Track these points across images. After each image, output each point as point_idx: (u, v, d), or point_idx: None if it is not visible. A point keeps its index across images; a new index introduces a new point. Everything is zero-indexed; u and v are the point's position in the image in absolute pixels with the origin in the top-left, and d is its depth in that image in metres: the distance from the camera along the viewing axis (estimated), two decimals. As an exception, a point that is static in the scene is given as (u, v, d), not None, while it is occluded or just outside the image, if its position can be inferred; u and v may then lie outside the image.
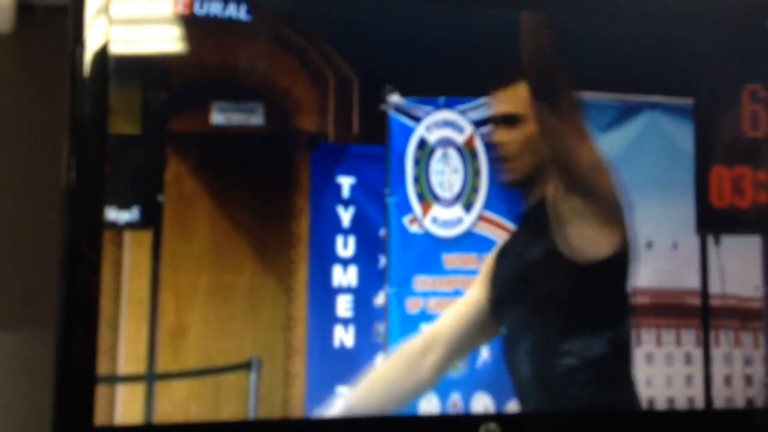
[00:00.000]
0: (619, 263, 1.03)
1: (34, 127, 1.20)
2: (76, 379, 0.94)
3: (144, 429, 1.05)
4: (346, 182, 0.98)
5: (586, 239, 1.01)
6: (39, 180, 1.17)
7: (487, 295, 1.02)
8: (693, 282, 1.07)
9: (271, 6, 0.98)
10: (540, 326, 1.01)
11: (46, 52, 1.19)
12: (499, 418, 1.05)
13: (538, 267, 1.02)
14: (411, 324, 0.98)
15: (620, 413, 1.11)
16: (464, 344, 1.01)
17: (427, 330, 0.99)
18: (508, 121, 1.02)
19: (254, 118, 0.95)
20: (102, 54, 0.93)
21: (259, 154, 0.96)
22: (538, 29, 1.02)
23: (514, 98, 1.02)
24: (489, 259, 1.02)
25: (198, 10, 0.97)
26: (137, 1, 0.95)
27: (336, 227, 0.97)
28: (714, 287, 1.08)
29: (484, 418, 1.04)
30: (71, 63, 0.94)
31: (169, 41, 0.97)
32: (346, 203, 0.97)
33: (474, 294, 1.01)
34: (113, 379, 0.92)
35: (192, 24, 0.96)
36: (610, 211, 1.03)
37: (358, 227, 0.97)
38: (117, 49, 0.94)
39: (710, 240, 1.09)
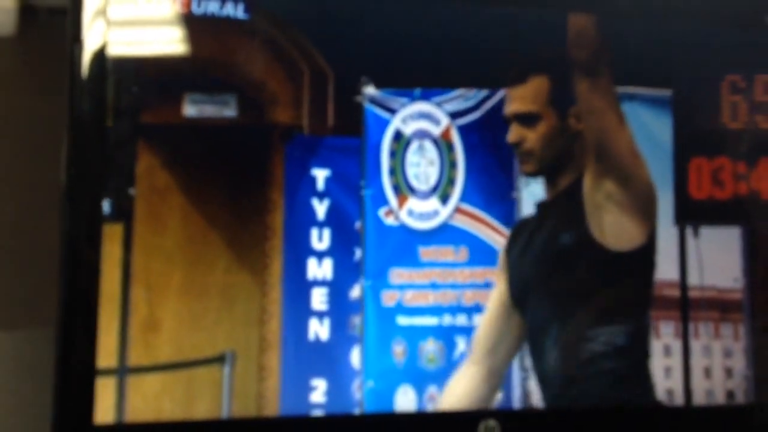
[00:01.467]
0: (647, 255, 1.04)
1: (36, 128, 1.19)
2: (76, 378, 0.93)
3: (144, 428, 1.05)
4: (321, 175, 0.97)
5: (619, 228, 1.02)
6: (40, 180, 1.16)
7: (507, 287, 1.02)
8: (671, 274, 1.07)
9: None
10: (566, 315, 1.02)
11: (47, 53, 1.18)
12: (498, 414, 1.05)
13: (567, 254, 1.03)
14: (387, 317, 0.98)
15: (618, 409, 1.11)
16: (498, 347, 1.03)
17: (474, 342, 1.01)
18: (523, 119, 1.02)
19: (227, 111, 0.94)
20: (101, 53, 0.93)
21: (233, 146, 0.95)
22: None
23: (526, 96, 1.03)
24: (504, 250, 1.02)
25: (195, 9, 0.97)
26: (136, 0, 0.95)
27: (311, 220, 0.96)
28: (693, 279, 1.08)
29: (483, 414, 1.04)
30: (70, 62, 0.94)
31: (164, 39, 0.97)
32: (320, 196, 0.97)
33: (496, 292, 1.02)
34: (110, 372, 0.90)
35: (182, 21, 0.96)
36: (644, 202, 1.04)
37: (333, 220, 0.97)
38: (115, 47, 0.93)
39: (689, 231, 1.08)
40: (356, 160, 0.99)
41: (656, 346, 1.07)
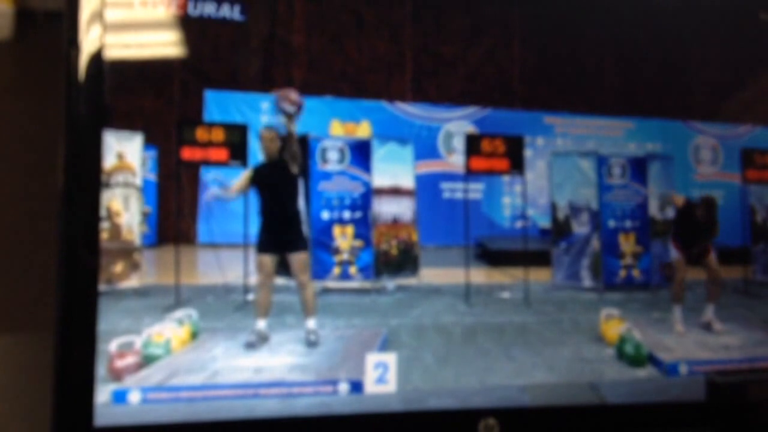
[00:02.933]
0: None
1: (34, 130, 1.19)
2: (75, 381, 0.93)
3: (144, 429, 1.05)
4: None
5: None
6: (39, 184, 1.16)
7: None
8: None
9: None
10: None
11: (44, 56, 1.18)
12: (498, 413, 1.05)
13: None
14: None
15: (615, 408, 1.11)
16: None
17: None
18: None
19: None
20: (96, 55, 0.93)
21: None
22: None
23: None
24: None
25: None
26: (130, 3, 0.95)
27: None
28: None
29: (483, 413, 1.04)
30: (66, 65, 0.94)
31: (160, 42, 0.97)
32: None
33: None
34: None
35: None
36: None
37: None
38: (110, 50, 0.93)
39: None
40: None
41: None
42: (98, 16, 0.92)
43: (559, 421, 1.11)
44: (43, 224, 1.11)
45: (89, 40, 0.93)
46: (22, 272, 1.21)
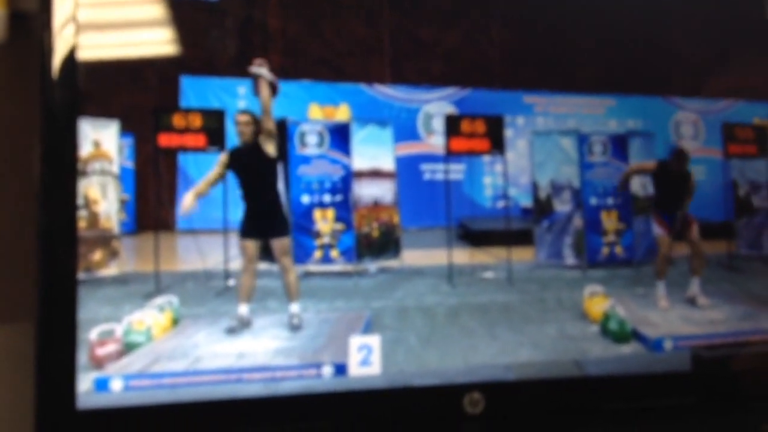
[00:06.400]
0: None
1: (27, 129, 1.18)
2: (57, 366, 0.92)
3: (127, 411, 1.04)
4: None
5: None
6: (23, 180, 1.15)
7: None
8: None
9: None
10: None
11: (36, 60, 1.17)
12: (483, 387, 1.05)
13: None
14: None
15: (600, 380, 1.11)
16: None
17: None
18: None
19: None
20: (70, 41, 0.91)
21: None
22: None
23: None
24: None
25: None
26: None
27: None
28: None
29: (468, 387, 1.04)
30: (40, 50, 0.92)
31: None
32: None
33: None
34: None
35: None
36: None
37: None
38: (85, 35, 0.92)
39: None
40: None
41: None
42: (72, 12, 0.91)
43: (544, 395, 1.11)
44: (22, 214, 1.09)
45: (62, 25, 0.92)
46: (2, 262, 1.20)
